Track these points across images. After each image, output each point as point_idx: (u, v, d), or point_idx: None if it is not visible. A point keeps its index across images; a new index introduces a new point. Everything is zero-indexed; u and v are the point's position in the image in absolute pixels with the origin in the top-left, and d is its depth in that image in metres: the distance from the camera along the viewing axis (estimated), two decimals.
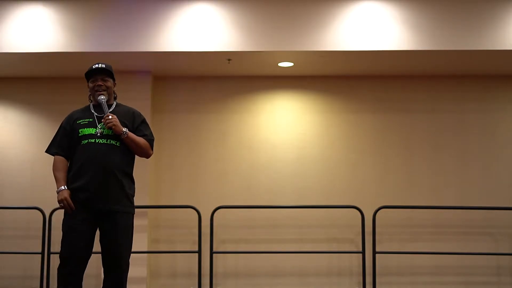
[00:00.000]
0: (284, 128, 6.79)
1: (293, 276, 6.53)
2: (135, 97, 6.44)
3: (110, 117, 3.73)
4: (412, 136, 6.74)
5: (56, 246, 6.46)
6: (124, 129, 3.76)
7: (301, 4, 5.86)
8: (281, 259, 6.52)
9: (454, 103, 6.78)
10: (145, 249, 6.29)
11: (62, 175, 3.75)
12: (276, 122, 6.81)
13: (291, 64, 6.34)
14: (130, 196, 3.84)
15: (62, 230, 3.74)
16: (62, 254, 3.69)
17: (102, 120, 3.76)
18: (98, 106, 3.85)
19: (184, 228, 6.52)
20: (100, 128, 3.76)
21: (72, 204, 3.66)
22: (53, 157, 3.85)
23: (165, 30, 5.86)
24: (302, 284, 6.52)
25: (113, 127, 3.72)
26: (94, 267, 6.44)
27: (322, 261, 6.54)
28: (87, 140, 3.74)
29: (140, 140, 3.84)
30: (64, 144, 3.82)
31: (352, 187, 6.65)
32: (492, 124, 6.76)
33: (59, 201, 3.68)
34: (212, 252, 6.11)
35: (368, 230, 6.17)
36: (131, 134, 3.79)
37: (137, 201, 6.14)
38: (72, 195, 3.68)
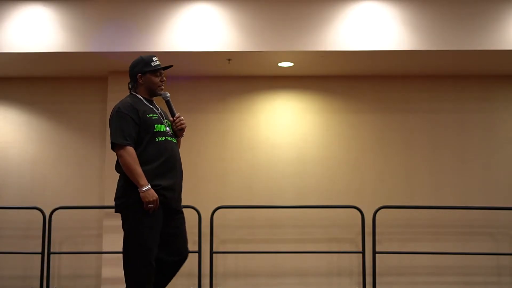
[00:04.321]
0: (284, 128, 6.79)
1: (293, 276, 6.53)
2: None
3: (182, 118, 3.75)
4: (412, 136, 6.74)
5: (56, 246, 6.47)
6: None
7: (301, 4, 5.86)
8: (281, 259, 6.52)
9: (454, 103, 6.78)
10: None
11: (141, 171, 3.48)
12: (276, 122, 6.81)
13: (291, 64, 6.34)
14: None
15: (135, 227, 3.51)
16: (145, 254, 3.49)
17: (175, 118, 3.73)
18: (151, 101, 3.76)
19: None
20: (167, 126, 3.72)
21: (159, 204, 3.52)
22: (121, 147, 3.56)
23: (165, 30, 5.86)
24: (302, 284, 6.52)
25: (185, 128, 3.75)
26: (94, 268, 6.46)
27: (322, 261, 6.54)
28: (164, 138, 3.63)
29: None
30: (133, 135, 3.57)
31: (352, 187, 6.65)
32: (492, 124, 6.75)
33: (149, 202, 3.45)
34: (212, 252, 6.11)
35: (368, 230, 6.17)
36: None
37: None
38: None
